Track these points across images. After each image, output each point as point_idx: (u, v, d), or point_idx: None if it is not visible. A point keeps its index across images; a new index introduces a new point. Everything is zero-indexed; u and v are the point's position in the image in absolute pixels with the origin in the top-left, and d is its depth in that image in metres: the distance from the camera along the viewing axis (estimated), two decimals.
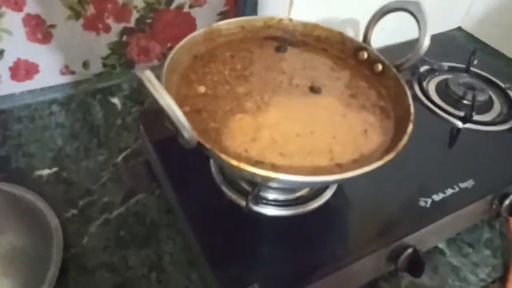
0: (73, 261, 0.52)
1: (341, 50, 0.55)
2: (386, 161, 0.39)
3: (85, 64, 0.74)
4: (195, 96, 0.46)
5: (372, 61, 0.53)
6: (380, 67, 0.52)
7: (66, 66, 0.73)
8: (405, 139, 0.41)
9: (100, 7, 0.69)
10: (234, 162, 0.37)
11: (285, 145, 0.42)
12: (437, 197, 0.53)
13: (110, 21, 0.71)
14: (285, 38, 0.56)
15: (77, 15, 0.68)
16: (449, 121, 0.66)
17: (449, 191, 0.54)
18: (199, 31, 0.51)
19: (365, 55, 0.53)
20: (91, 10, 0.68)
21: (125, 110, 0.72)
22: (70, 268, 0.51)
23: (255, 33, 0.56)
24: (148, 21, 0.74)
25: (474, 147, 0.62)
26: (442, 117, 0.67)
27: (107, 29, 0.72)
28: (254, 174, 0.37)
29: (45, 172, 0.62)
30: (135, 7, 0.71)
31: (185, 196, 0.50)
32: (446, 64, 0.75)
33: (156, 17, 0.74)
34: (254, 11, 0.77)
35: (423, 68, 0.74)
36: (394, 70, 0.50)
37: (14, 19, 0.64)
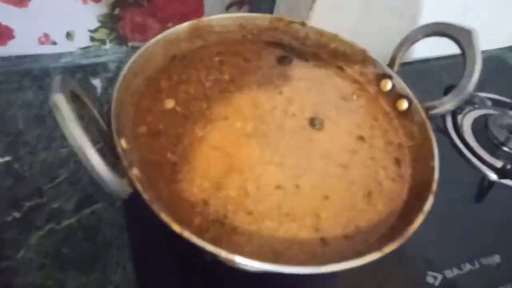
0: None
1: (360, 73, 0.44)
2: (385, 253, 0.28)
3: (69, 35, 0.64)
4: (158, 112, 0.36)
5: (396, 94, 0.41)
6: (405, 104, 0.40)
7: (46, 35, 0.63)
8: (418, 221, 0.30)
9: None
10: (175, 228, 0.27)
11: (258, 200, 0.32)
12: (449, 273, 0.42)
13: None
14: (293, 47, 0.45)
15: None
16: (481, 171, 0.53)
17: (467, 267, 0.43)
18: (183, 25, 0.41)
19: (389, 85, 0.41)
20: None
21: (104, 96, 0.63)
22: None
23: (257, 35, 0.44)
24: None
25: (508, 211, 0.50)
26: (472, 164, 0.54)
27: None
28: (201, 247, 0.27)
29: None
30: None
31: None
32: (488, 96, 0.62)
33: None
34: (270, 8, 0.65)
35: None
36: (423, 113, 0.38)
37: None
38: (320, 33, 0.44)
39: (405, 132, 0.40)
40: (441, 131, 0.58)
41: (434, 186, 0.33)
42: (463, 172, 0.53)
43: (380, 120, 0.40)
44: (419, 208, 0.31)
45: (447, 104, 0.37)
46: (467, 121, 0.60)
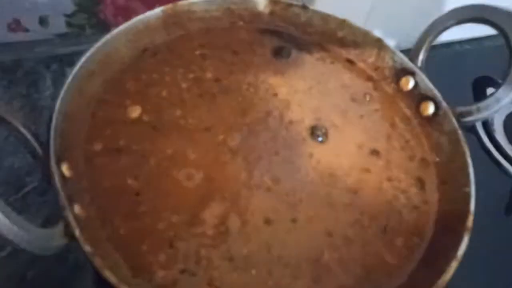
0: None
1: (375, 67, 0.36)
2: None
3: (43, 21, 0.57)
4: (120, 123, 0.29)
5: (419, 95, 0.33)
6: (431, 108, 0.32)
7: (16, 21, 0.55)
8: (450, 271, 0.23)
9: None
10: (112, 280, 0.20)
11: (242, 241, 0.25)
12: None
13: None
14: (292, 36, 0.37)
15: None
16: None
17: None
18: (156, 11, 0.33)
19: (411, 83, 0.33)
20: None
21: None
22: None
23: (248, 21, 0.36)
24: None
25: None
26: (504, 169, 0.46)
27: None
28: None
29: None
30: None
31: None
32: None
33: None
34: None
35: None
36: (453, 120, 0.30)
37: None
38: (326, 18, 0.36)
39: (430, 143, 0.32)
40: (468, 129, 0.50)
41: (470, 221, 0.25)
42: (492, 178, 0.45)
43: (399, 128, 0.33)
44: (450, 251, 0.24)
45: (486, 110, 0.29)
46: (498, 119, 0.51)
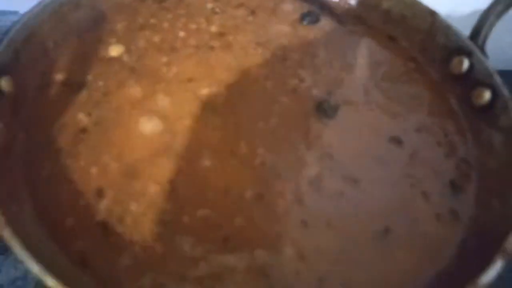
0: None
1: (422, 48, 0.28)
2: None
3: None
4: (95, 59, 0.25)
5: (474, 81, 0.25)
6: (486, 97, 0.24)
7: None
8: None
9: None
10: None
11: (188, 208, 0.19)
12: None
13: None
14: (327, 4, 0.31)
15: None
16: None
17: None
18: None
19: (465, 65, 0.26)
20: None
21: None
22: None
23: None
24: None
25: None
26: None
27: None
28: None
29: None
30: None
31: None
32: None
33: None
34: None
35: None
36: None
37: None
38: None
39: (479, 141, 0.23)
40: None
41: (510, 243, 0.17)
42: None
43: (438, 118, 0.25)
44: (471, 277, 0.16)
45: None
46: None
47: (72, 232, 0.18)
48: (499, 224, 0.19)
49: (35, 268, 0.15)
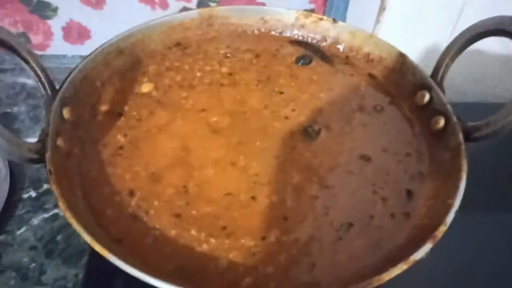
0: None
1: (395, 83, 0.34)
2: None
3: None
4: (131, 94, 0.33)
5: (433, 110, 0.31)
6: (441, 123, 0.29)
7: None
8: (394, 271, 0.20)
9: None
10: (62, 206, 0.22)
11: (195, 204, 0.26)
12: None
13: None
14: (319, 48, 0.38)
15: None
16: None
17: None
18: (193, 12, 0.37)
19: (426, 97, 0.31)
20: None
21: None
22: None
23: (280, 32, 0.39)
24: (213, 4, 0.62)
25: None
26: None
27: (164, 5, 0.63)
28: None
29: None
30: None
31: None
32: None
33: (223, 2, 0.62)
34: (341, 15, 0.59)
35: None
36: (460, 135, 0.27)
37: None
38: (353, 33, 0.37)
39: (433, 158, 0.29)
40: None
41: (440, 232, 0.22)
42: None
43: (402, 141, 0.30)
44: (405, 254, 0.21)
45: (494, 124, 0.26)
46: None
47: (110, 219, 0.25)
48: (435, 219, 0.24)
49: (86, 237, 0.21)
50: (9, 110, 0.59)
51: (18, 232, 0.46)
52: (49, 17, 0.63)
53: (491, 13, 0.28)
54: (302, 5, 0.61)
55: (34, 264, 0.44)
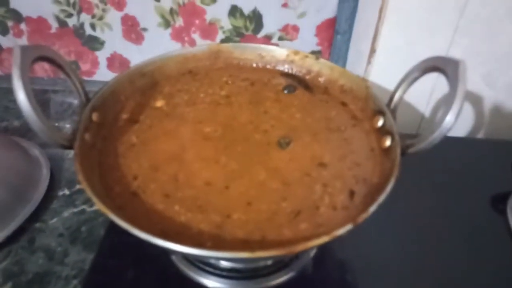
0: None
1: (361, 109, 0.41)
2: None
3: None
4: (147, 107, 0.42)
5: (385, 131, 0.37)
6: (388, 141, 0.36)
7: None
8: (313, 243, 0.27)
9: (188, 20, 0.71)
10: (80, 178, 0.30)
11: (182, 189, 0.34)
12: None
13: (196, 36, 0.72)
14: (304, 80, 0.45)
15: (166, 23, 0.72)
16: None
17: None
18: (203, 46, 0.46)
19: (381, 121, 0.38)
20: (179, 21, 0.71)
21: None
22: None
23: (274, 65, 0.47)
24: (236, 40, 0.73)
25: None
26: None
27: (192, 43, 0.74)
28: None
29: None
30: (221, 27, 0.71)
31: None
32: None
33: (244, 40, 0.72)
34: (343, 56, 0.67)
35: None
36: (398, 150, 0.34)
37: (115, 17, 0.72)
38: (332, 68, 0.44)
39: (380, 170, 0.35)
40: (500, 212, 0.48)
41: (362, 218, 0.28)
42: None
43: (358, 155, 0.37)
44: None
45: (423, 141, 0.32)
46: None
47: (117, 193, 0.33)
48: (363, 210, 0.30)
49: (98, 203, 0.29)
50: (56, 124, 0.70)
51: (51, 222, 0.55)
52: (97, 49, 0.75)
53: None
54: (311, 47, 0.70)
55: (60, 248, 0.52)
